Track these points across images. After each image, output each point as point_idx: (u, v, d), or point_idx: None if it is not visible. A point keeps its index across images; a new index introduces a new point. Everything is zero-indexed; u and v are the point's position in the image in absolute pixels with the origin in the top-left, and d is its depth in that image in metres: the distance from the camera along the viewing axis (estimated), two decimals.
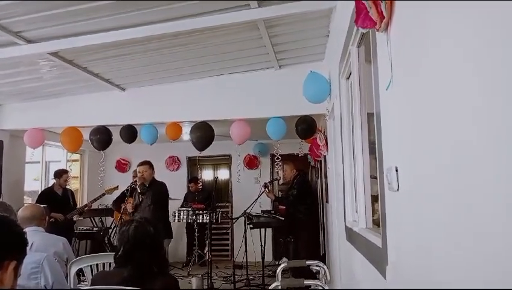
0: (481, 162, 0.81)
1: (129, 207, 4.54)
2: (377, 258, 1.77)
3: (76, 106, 5.12)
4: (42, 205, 3.18)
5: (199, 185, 7.31)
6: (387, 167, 1.51)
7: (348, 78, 2.93)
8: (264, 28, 3.52)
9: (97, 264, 2.93)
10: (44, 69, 4.27)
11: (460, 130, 0.91)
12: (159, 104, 4.96)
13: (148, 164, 4.66)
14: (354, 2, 1.66)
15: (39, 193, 5.76)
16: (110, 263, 2.85)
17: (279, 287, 2.25)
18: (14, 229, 1.18)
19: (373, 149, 2.36)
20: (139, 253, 1.86)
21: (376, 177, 2.39)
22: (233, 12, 3.24)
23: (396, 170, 1.38)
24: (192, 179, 7.60)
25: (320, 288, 2.12)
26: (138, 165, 4.68)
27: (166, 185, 4.86)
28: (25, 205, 3.53)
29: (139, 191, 4.53)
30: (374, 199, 2.37)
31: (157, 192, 4.60)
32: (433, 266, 1.11)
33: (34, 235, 2.58)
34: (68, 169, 5.81)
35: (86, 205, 5.62)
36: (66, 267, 2.80)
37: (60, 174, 5.42)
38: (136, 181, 4.78)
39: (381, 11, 1.35)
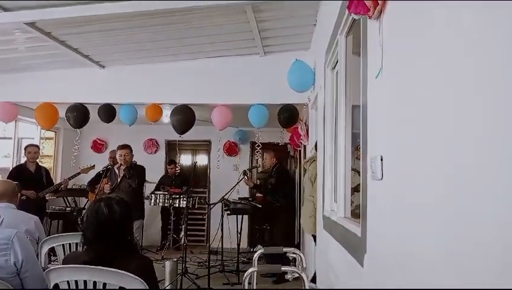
0: (467, 154, 0.81)
1: (106, 188, 4.52)
2: (355, 247, 1.79)
3: (53, 81, 4.94)
4: (14, 182, 3.06)
5: (177, 169, 7.24)
6: (371, 156, 1.52)
7: (333, 68, 2.92)
8: (251, 12, 3.46)
9: (70, 244, 2.85)
10: (20, 40, 4.08)
11: (449, 121, 0.91)
12: (139, 84, 4.85)
13: (129, 147, 4.87)
14: None
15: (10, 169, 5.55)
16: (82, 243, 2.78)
17: (255, 273, 2.25)
18: None
19: (355, 141, 2.38)
20: (99, 234, 1.80)
21: (355, 170, 2.42)
22: None
23: (381, 159, 1.38)
24: (172, 161, 7.52)
25: (297, 275, 2.13)
26: (119, 149, 4.79)
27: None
28: None
29: (126, 175, 4.65)
30: (352, 191, 2.39)
31: (139, 175, 4.78)
32: (412, 255, 1.12)
33: (5, 211, 2.49)
34: (38, 144, 5.60)
35: (61, 183, 5.42)
36: (38, 246, 2.72)
37: (24, 149, 5.22)
38: (113, 163, 4.88)
39: None
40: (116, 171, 4.74)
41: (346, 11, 1.84)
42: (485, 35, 0.76)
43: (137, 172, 4.78)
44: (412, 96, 1.15)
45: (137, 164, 4.95)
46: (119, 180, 4.68)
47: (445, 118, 0.93)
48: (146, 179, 5.36)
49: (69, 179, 5.45)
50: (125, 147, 4.84)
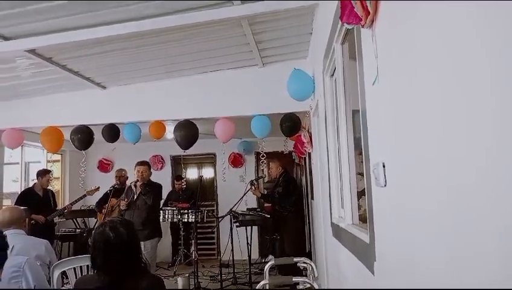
0: (468, 158, 0.81)
1: (122, 205, 4.57)
2: (365, 253, 1.78)
3: (56, 104, 5.00)
4: (22, 207, 3.09)
5: (183, 184, 7.25)
6: (374, 163, 1.52)
7: (332, 75, 2.93)
8: (247, 25, 3.50)
9: (81, 267, 2.86)
10: (22, 67, 4.15)
11: (446, 125, 0.91)
12: (141, 103, 4.89)
13: (147, 164, 4.89)
14: None
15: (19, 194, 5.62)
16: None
17: (267, 286, 2.24)
18: None
19: (358, 145, 2.38)
20: (109, 259, 1.80)
21: (361, 174, 2.41)
22: (216, 9, 3.20)
23: (384, 166, 1.38)
24: (179, 176, 7.55)
25: (308, 285, 2.12)
26: (137, 165, 4.80)
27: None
28: (4, 207, 3.43)
29: (142, 191, 4.60)
30: (359, 195, 2.38)
31: (155, 192, 4.75)
32: (420, 261, 1.12)
33: (15, 238, 2.51)
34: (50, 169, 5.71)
35: (65, 207, 5.53)
36: (49, 270, 2.73)
37: (43, 173, 5.31)
38: (119, 183, 5.03)
39: (367, 7, 1.35)
40: (133, 188, 4.73)
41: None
42: (478, 38, 0.77)
43: (153, 189, 4.74)
44: (409, 102, 1.16)
45: (154, 181, 4.91)
46: (135, 197, 4.64)
47: (442, 122, 0.93)
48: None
49: (75, 202, 5.60)
50: (144, 163, 4.86)
